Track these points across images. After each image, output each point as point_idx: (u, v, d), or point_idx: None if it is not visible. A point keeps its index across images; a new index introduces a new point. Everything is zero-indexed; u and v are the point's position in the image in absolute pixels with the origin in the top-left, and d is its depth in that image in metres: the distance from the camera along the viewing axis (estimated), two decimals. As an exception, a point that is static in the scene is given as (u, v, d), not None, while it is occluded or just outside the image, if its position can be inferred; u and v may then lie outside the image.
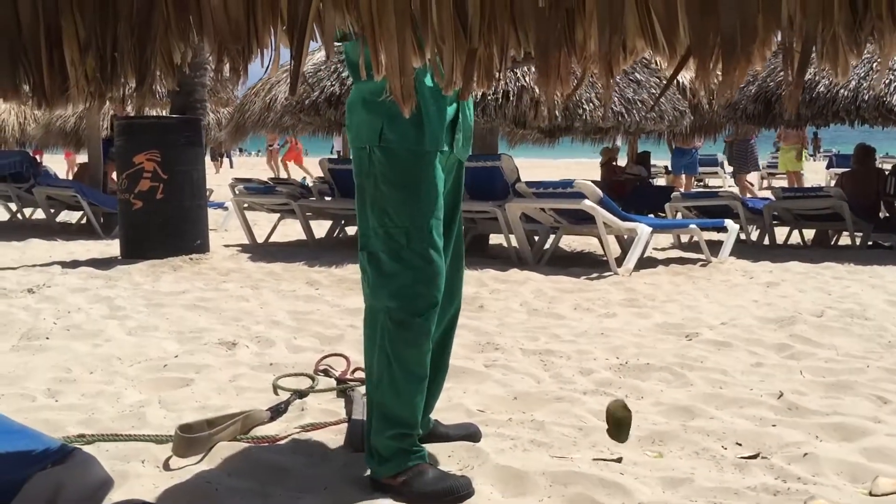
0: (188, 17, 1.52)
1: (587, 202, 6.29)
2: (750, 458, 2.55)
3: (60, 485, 1.43)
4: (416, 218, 2.20)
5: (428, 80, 2.15)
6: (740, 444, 2.66)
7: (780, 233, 9.03)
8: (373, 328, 2.28)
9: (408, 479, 2.24)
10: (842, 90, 7.68)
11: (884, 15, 1.11)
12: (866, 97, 7.56)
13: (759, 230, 8.90)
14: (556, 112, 7.26)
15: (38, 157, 21.36)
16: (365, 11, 1.48)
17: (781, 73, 8.13)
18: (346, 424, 2.80)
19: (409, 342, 2.22)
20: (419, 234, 2.19)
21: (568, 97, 1.69)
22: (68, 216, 10.75)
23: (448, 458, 2.51)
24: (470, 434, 2.66)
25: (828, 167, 22.42)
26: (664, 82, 8.41)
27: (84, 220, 10.01)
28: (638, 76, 8.06)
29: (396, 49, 1.46)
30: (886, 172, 8.95)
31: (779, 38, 1.20)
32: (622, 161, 13.77)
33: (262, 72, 1.63)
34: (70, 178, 14.96)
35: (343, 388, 3.22)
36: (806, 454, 2.53)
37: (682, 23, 1.27)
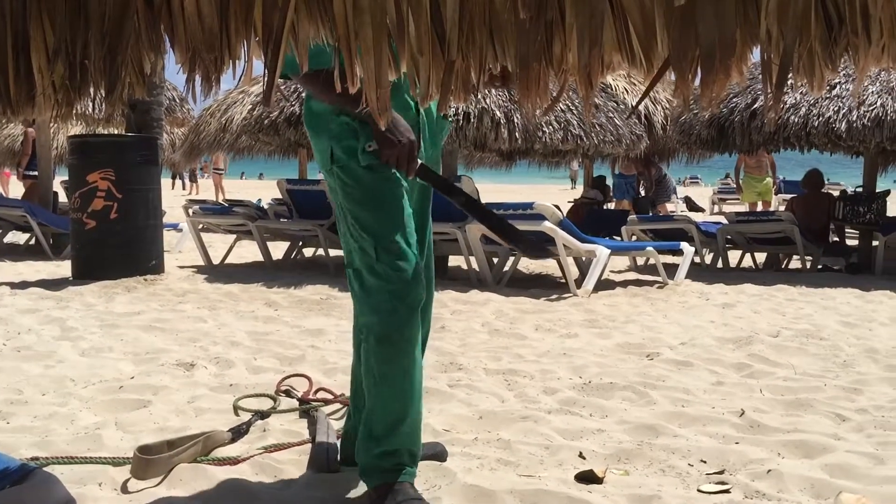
0: (160, 25, 1.49)
1: (547, 223, 6.33)
2: (715, 474, 2.56)
3: (21, 504, 1.37)
4: (381, 231, 2.18)
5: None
6: (705, 462, 2.68)
7: (733, 256, 9.19)
8: (360, 346, 2.28)
9: (381, 495, 2.21)
10: (792, 116, 7.86)
11: (858, 31, 1.14)
12: (816, 123, 7.75)
13: (712, 253, 9.05)
14: (517, 135, 7.31)
15: (6, 177, 20.89)
16: (341, 23, 1.47)
17: (735, 99, 8.31)
18: (309, 445, 2.76)
19: (391, 358, 2.19)
20: (387, 247, 2.17)
21: (548, 110, 1.70)
22: (15, 237, 10.49)
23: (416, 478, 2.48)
24: (437, 453, 2.63)
25: (776, 193, 22.91)
26: (621, 107, 8.54)
27: (33, 241, 9.78)
28: (596, 100, 8.16)
29: (373, 61, 1.46)
30: (836, 197, 9.17)
31: (756, 52, 1.22)
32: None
33: (233, 83, 1.61)
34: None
35: (306, 409, 3.17)
36: (769, 471, 2.55)
37: (659, 37, 1.29)
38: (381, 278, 2.17)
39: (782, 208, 11.48)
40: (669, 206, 21.75)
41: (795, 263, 8.97)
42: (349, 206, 2.22)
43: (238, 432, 2.88)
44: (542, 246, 2.26)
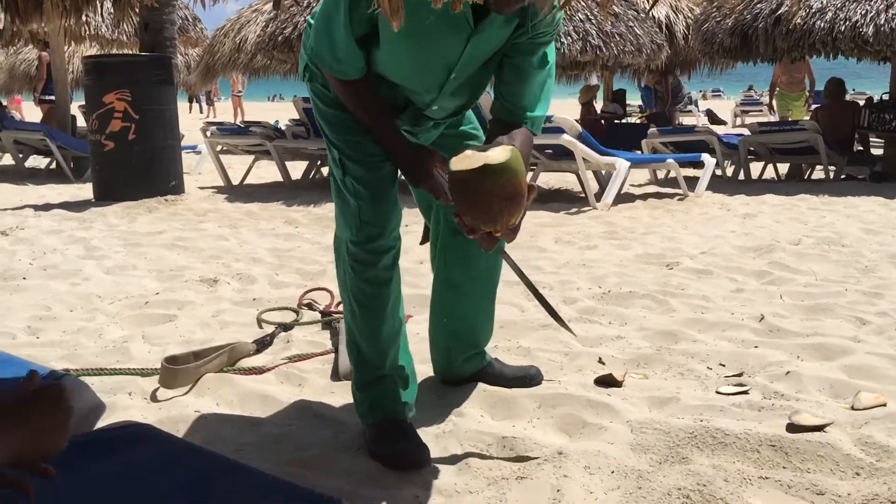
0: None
1: (566, 137, 6.26)
2: (734, 376, 2.58)
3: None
4: (345, 150, 2.03)
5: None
6: (724, 365, 2.70)
7: (755, 168, 9.08)
8: (338, 264, 2.19)
9: (365, 431, 2.13)
10: (818, 21, 7.63)
11: None
12: (842, 28, 7.52)
13: (734, 165, 8.94)
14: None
15: (16, 104, 20.95)
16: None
17: (759, 5, 8.06)
18: (332, 355, 2.80)
19: (363, 276, 2.07)
20: (351, 167, 2.03)
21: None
22: (37, 162, 10.54)
23: (433, 386, 2.52)
24: (528, 377, 2.50)
25: (808, 107, 22.47)
26: (641, 15, 8.32)
27: (54, 165, 9.83)
28: (615, 8, 7.96)
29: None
30: (861, 105, 8.98)
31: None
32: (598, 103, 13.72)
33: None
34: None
35: (328, 321, 3.21)
36: (788, 373, 2.57)
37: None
38: (352, 194, 2.02)
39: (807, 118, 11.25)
40: (691, 120, 21.50)
41: (819, 174, 8.84)
42: (318, 117, 2.11)
43: (262, 343, 2.93)
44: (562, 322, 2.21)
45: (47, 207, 6.55)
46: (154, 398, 2.49)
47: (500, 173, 1.66)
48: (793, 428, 2.13)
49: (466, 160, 1.69)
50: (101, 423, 1.89)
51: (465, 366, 2.46)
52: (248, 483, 1.31)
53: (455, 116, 2.21)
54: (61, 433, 1.02)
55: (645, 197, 6.98)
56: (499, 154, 1.68)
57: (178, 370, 2.54)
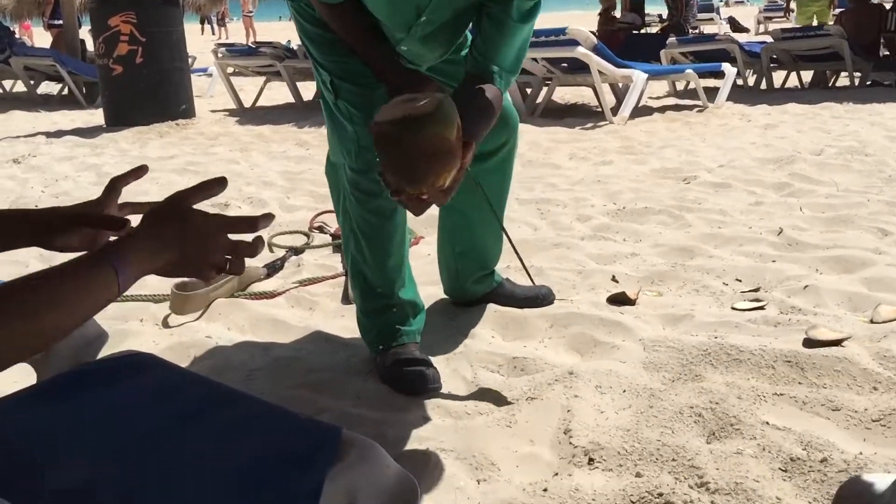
0: None
1: (581, 49, 6.09)
2: (750, 291, 2.54)
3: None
4: (334, 71, 1.93)
5: None
6: (740, 280, 2.65)
7: (778, 77, 8.84)
8: (335, 193, 2.09)
9: (375, 357, 2.10)
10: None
11: None
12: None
13: (756, 74, 8.70)
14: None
15: (26, 30, 20.76)
16: None
17: None
18: (343, 278, 2.78)
19: (368, 206, 1.99)
20: (343, 89, 1.92)
21: None
22: (49, 88, 10.47)
23: (443, 308, 2.50)
24: (539, 297, 2.44)
25: (833, 8, 21.78)
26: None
27: (66, 91, 9.75)
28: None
29: None
30: (887, 8, 8.66)
31: None
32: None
33: None
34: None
35: (339, 244, 3.18)
36: (806, 286, 2.52)
37: None
38: (346, 118, 1.93)
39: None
40: (712, 28, 20.94)
41: (843, 81, 8.59)
42: (302, 37, 2.00)
43: (273, 268, 2.91)
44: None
45: (59, 134, 6.51)
46: (165, 324, 2.49)
47: (424, 127, 1.42)
48: (809, 343, 2.09)
49: (390, 110, 1.46)
50: (104, 352, 1.89)
51: (475, 287, 2.43)
52: (250, 413, 1.29)
53: (433, 63, 2.02)
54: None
55: (663, 110, 6.84)
56: (424, 105, 1.44)
57: (188, 296, 2.53)
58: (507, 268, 2.81)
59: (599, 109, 6.59)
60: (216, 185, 1.08)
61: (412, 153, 1.44)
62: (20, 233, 1.16)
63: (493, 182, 2.25)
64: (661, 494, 1.50)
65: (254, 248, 1.10)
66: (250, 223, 1.07)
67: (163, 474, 1.12)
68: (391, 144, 1.46)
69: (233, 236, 1.04)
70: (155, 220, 0.99)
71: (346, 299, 2.61)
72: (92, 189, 4.40)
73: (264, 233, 3.40)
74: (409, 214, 1.84)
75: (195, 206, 1.03)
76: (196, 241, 1.01)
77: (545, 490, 1.55)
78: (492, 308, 2.43)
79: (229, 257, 1.05)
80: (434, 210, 3.30)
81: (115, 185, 1.24)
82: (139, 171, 1.28)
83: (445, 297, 2.53)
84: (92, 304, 0.92)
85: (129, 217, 1.23)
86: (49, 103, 9.40)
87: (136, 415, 1.24)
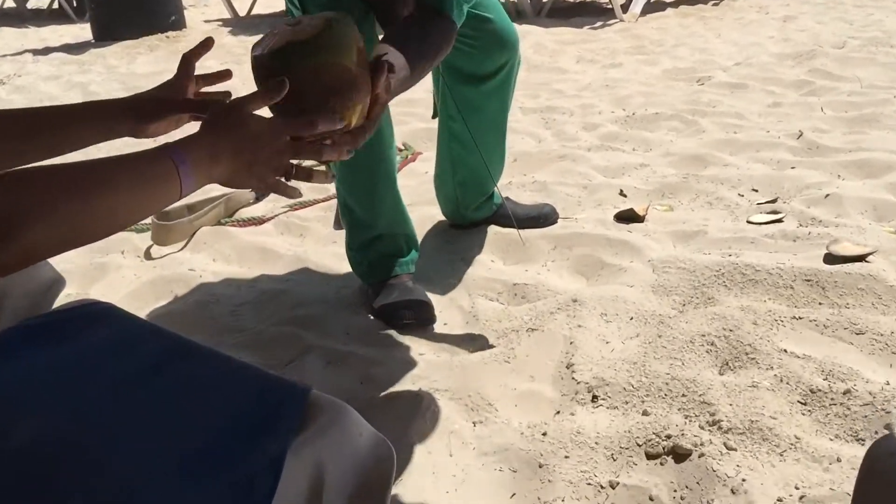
0: None
1: (588, -59, 5.75)
2: (767, 203, 2.38)
3: (2, 293, 1.27)
4: None
5: None
6: (756, 190, 2.49)
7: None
8: None
9: (367, 289, 1.99)
10: None
11: None
12: None
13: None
14: None
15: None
16: None
17: None
18: (335, 201, 2.63)
19: None
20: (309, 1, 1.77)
21: None
22: (39, 2, 10.14)
23: (440, 230, 2.36)
24: (542, 216, 2.30)
25: None
26: None
27: (56, 5, 9.43)
28: None
29: None
30: None
31: None
32: None
33: None
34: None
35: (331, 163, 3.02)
36: (827, 195, 2.35)
37: None
38: None
39: None
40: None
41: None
42: None
43: (261, 192, 2.76)
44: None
45: (47, 51, 6.29)
46: (148, 255, 2.36)
47: (311, 55, 1.13)
48: (831, 259, 1.94)
49: (270, 39, 1.19)
50: (60, 301, 1.77)
51: (475, 214, 2.29)
52: (214, 370, 1.16)
53: None
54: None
55: (676, 4, 6.51)
56: (308, 29, 1.15)
57: (171, 226, 2.40)
58: (508, 184, 2.65)
59: (609, 6, 6.28)
60: (276, 90, 1.05)
61: (299, 88, 1.11)
62: (121, 119, 1.14)
63: (491, 107, 2.07)
64: (669, 437, 1.39)
65: (319, 152, 1.10)
66: (310, 124, 1.05)
67: (113, 437, 1.02)
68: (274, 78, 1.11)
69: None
70: (213, 128, 0.97)
71: (338, 224, 2.47)
72: (78, 110, 4.22)
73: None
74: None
75: (254, 112, 1.01)
76: (255, 147, 0.99)
77: (544, 434, 1.44)
78: (492, 230, 2.29)
79: (295, 162, 1.05)
80: (433, 126, 3.13)
81: (188, 61, 1.23)
82: (207, 43, 1.30)
83: (443, 218, 2.38)
84: (149, 197, 0.90)
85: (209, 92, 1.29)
86: (39, 18, 9.11)
87: (90, 371, 1.13)
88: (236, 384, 1.13)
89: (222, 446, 0.94)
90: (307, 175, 1.10)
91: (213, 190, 2.82)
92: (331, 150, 1.12)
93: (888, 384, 1.48)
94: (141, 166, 0.90)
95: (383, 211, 1.93)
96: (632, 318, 1.80)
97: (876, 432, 1.38)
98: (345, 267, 2.15)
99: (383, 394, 1.61)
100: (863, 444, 1.37)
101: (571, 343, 1.71)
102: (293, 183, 1.14)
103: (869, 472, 0.90)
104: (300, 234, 2.46)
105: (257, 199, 2.71)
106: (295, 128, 1.07)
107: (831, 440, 1.40)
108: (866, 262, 1.91)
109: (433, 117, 2.21)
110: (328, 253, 2.28)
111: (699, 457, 1.34)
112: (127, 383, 1.12)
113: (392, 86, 1.28)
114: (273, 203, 2.70)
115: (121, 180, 0.87)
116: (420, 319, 1.85)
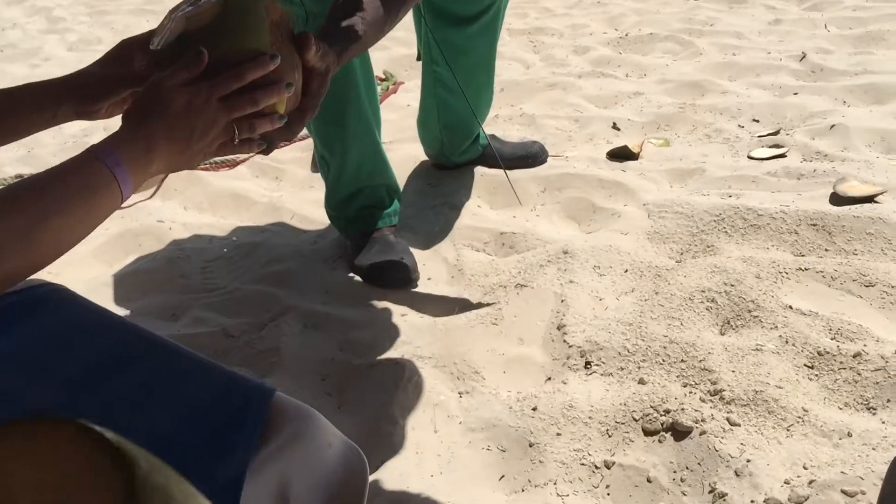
0: None
1: None
2: (769, 135, 2.25)
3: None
4: None
5: None
6: (757, 121, 2.35)
7: None
8: None
9: (348, 245, 1.87)
10: None
11: None
12: None
13: None
14: None
15: None
16: None
17: None
18: (311, 140, 2.49)
19: None
20: None
21: None
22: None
23: (424, 172, 2.22)
24: (530, 155, 2.17)
25: None
26: None
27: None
28: None
29: None
30: None
31: None
32: None
33: None
34: None
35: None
36: (833, 126, 2.22)
37: None
38: None
39: None
40: None
41: None
42: None
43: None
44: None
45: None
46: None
47: (210, 47, 0.88)
48: (837, 199, 1.83)
49: (165, 29, 0.94)
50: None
51: (461, 157, 2.15)
52: (170, 370, 1.05)
53: None
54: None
55: None
56: (200, 16, 0.91)
57: (137, 172, 2.25)
58: (494, 118, 2.51)
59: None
60: (195, 63, 0.87)
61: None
62: (63, 102, 1.00)
63: (478, 50, 1.91)
64: (667, 411, 1.30)
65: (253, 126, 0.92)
66: (238, 75, 0.88)
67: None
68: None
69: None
70: (138, 115, 0.86)
71: (314, 167, 2.34)
72: (41, 38, 4.01)
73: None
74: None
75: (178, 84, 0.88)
76: (187, 121, 0.87)
77: (534, 409, 1.35)
78: (478, 171, 2.16)
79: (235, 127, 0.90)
80: (412, 52, 2.94)
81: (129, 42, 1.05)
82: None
83: (426, 159, 2.25)
84: (88, 213, 0.80)
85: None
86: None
87: (27, 369, 1.02)
88: (199, 387, 1.03)
89: (175, 465, 0.84)
90: (251, 130, 0.92)
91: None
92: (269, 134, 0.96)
93: (901, 345, 1.39)
94: (71, 182, 0.78)
95: (363, 162, 1.80)
96: (626, 271, 1.69)
97: (888, 400, 1.30)
98: (324, 213, 2.02)
99: (363, 361, 1.51)
100: (874, 414, 1.29)
101: (563, 301, 1.60)
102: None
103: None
104: (276, 176, 2.33)
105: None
106: (223, 84, 0.91)
107: (840, 409, 1.31)
108: (875, 202, 1.79)
109: (417, 59, 2.05)
110: (305, 198, 2.15)
111: (700, 434, 1.25)
112: (70, 383, 1.01)
113: (361, 31, 1.14)
114: (246, 143, 2.55)
115: (50, 207, 0.76)
116: (401, 278, 1.73)
